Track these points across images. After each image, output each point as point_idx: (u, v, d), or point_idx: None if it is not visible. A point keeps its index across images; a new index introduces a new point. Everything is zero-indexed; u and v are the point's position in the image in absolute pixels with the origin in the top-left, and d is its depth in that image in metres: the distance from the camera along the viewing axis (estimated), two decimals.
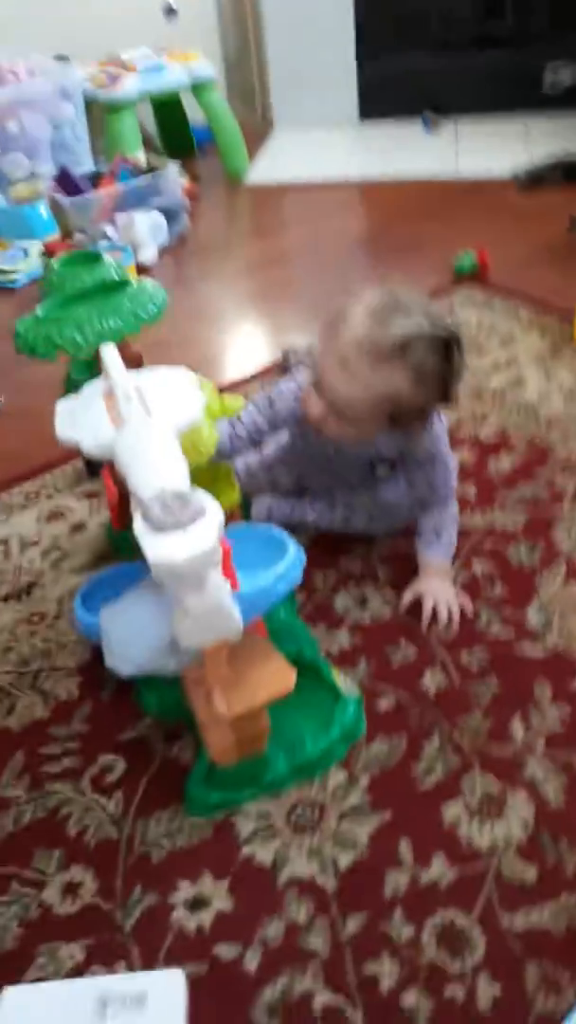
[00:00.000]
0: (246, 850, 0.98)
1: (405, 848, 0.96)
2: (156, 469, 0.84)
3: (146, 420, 0.91)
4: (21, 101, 2.66)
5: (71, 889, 0.96)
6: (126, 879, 0.96)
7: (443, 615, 1.23)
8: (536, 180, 2.63)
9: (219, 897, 0.94)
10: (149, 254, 2.48)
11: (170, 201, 2.62)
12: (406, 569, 1.31)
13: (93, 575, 1.27)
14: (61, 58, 2.85)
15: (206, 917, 0.92)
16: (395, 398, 1.11)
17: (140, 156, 2.71)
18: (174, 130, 3.25)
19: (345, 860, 0.96)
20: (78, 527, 1.50)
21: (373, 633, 1.23)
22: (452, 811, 0.99)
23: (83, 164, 2.84)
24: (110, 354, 1.01)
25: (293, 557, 1.01)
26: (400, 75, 3.38)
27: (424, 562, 1.28)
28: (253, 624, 1.04)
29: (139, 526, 0.79)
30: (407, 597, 1.26)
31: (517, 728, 1.07)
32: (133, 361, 1.15)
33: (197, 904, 0.93)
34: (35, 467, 1.66)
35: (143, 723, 1.14)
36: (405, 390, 1.10)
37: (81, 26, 3.07)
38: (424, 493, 1.29)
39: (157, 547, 0.76)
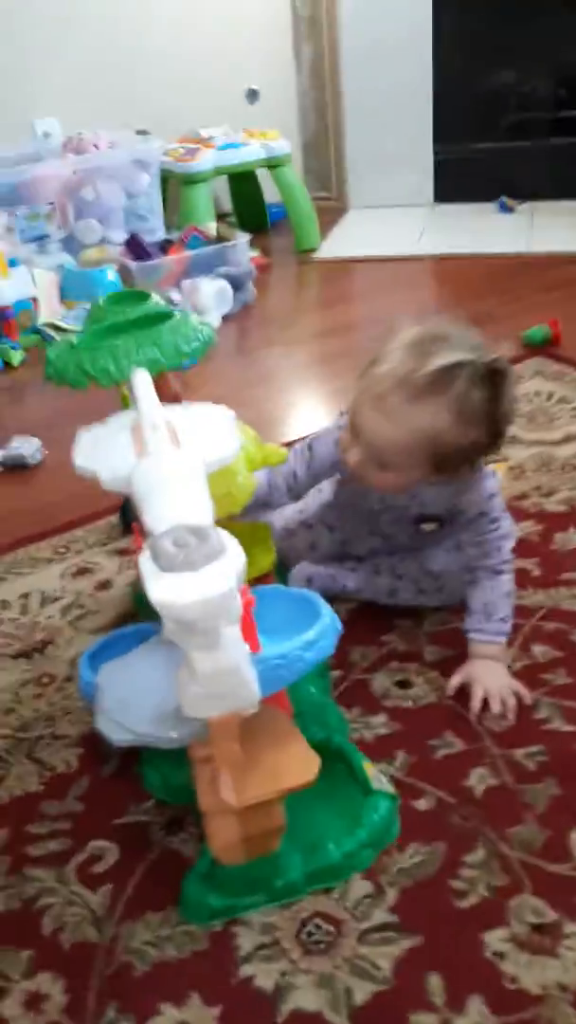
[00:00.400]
0: (245, 970, 0.82)
1: (436, 984, 0.79)
2: (174, 502, 0.73)
3: (172, 451, 0.80)
4: (98, 170, 2.70)
5: (35, 1002, 0.81)
6: (100, 994, 0.81)
7: (495, 705, 1.07)
8: None
9: None
10: (213, 320, 2.43)
11: (238, 271, 2.59)
12: (458, 649, 1.16)
13: (110, 634, 1.15)
14: (142, 132, 2.90)
15: None
16: (436, 438, 0.99)
17: (211, 226, 2.71)
18: (248, 206, 3.27)
19: (362, 994, 0.79)
20: (104, 584, 1.39)
21: (415, 721, 1.07)
22: (495, 942, 0.82)
23: (156, 233, 2.85)
24: (141, 379, 0.90)
25: (327, 623, 0.88)
26: (476, 159, 3.36)
27: (474, 644, 1.13)
28: (275, 699, 0.91)
29: (145, 564, 0.68)
30: (454, 681, 1.11)
31: None
32: (171, 400, 1.06)
33: None
34: (67, 521, 1.57)
35: (144, 807, 1.00)
36: (447, 429, 0.98)
37: (166, 106, 3.14)
38: (474, 558, 1.14)
39: (162, 587, 0.64)
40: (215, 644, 0.71)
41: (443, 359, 0.97)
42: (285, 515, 1.35)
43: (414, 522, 1.17)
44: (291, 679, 0.81)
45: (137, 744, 0.80)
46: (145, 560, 0.67)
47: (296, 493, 1.19)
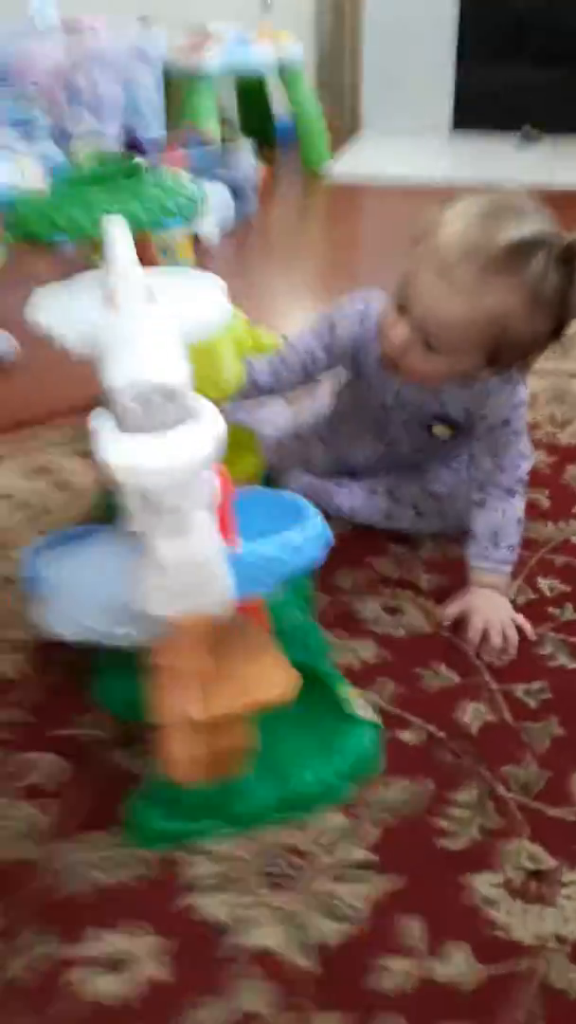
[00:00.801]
0: (197, 900, 0.72)
1: (416, 929, 0.70)
2: (143, 358, 0.61)
3: (146, 307, 0.68)
4: (95, 56, 2.50)
5: None
6: (33, 917, 0.72)
7: (496, 639, 0.97)
8: None
9: (149, 959, 0.68)
10: (209, 228, 2.29)
11: (239, 178, 2.43)
12: (455, 577, 1.06)
13: (59, 532, 1.04)
14: (144, 20, 2.69)
15: (125, 984, 0.67)
16: (503, 321, 0.88)
17: (212, 128, 2.54)
18: (255, 116, 3.08)
19: (331, 934, 0.70)
20: (64, 485, 1.28)
21: (405, 649, 0.98)
22: (486, 887, 0.73)
23: (152, 131, 2.67)
24: (116, 227, 0.78)
25: (315, 528, 0.77)
26: (499, 87, 3.20)
27: (476, 572, 1.02)
28: (252, 614, 0.81)
29: (100, 424, 0.56)
30: (451, 610, 1.01)
31: None
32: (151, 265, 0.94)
33: (118, 965, 0.68)
34: (32, 419, 1.44)
35: (93, 718, 0.89)
36: (517, 313, 0.87)
37: (173, 2, 2.93)
38: (487, 473, 1.03)
39: (120, 450, 0.53)
40: (184, 529, 0.60)
41: (522, 231, 0.85)
42: (278, 425, 1.23)
43: (427, 424, 1.06)
44: (271, 584, 0.71)
45: (82, 640, 0.69)
46: (100, 419, 0.55)
47: (312, 377, 1.07)
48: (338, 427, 1.18)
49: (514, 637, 0.97)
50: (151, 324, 0.66)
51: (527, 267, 0.86)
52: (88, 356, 0.70)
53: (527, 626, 0.99)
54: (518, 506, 1.03)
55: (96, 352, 0.66)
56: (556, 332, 0.92)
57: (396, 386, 1.04)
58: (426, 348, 0.92)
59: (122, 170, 0.92)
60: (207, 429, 0.55)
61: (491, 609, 0.99)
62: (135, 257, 0.72)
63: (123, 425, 0.54)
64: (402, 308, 0.93)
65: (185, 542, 0.62)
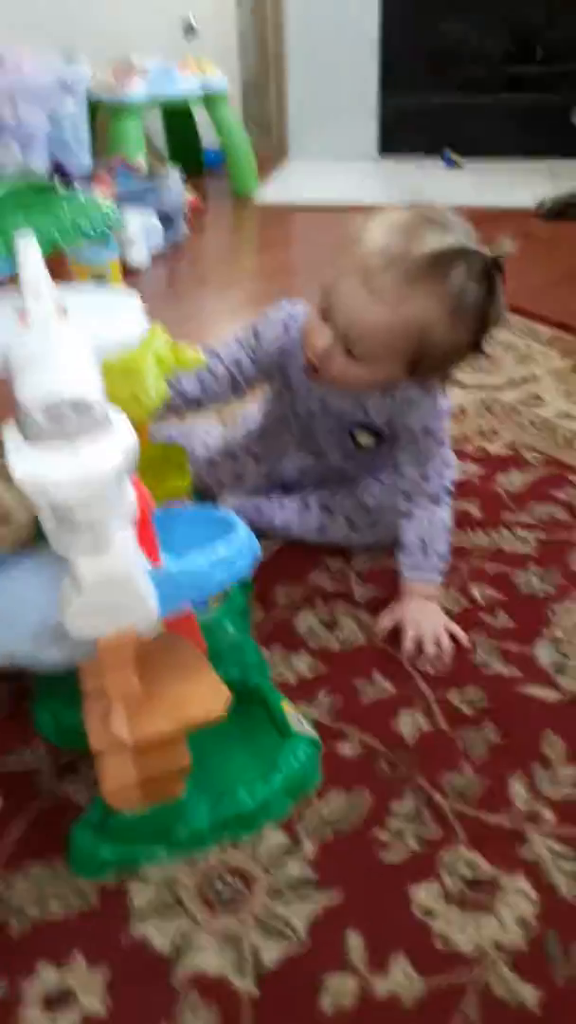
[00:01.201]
0: (139, 929, 0.71)
1: (356, 944, 0.69)
2: (52, 372, 0.60)
3: (57, 322, 0.68)
4: (19, 90, 2.50)
5: None
6: None
7: (430, 647, 0.98)
8: (560, 211, 2.47)
9: (89, 992, 0.67)
10: (139, 254, 2.29)
11: (168, 207, 2.44)
12: (389, 588, 1.07)
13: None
14: (68, 53, 2.70)
15: (65, 1022, 0.65)
16: (424, 332, 0.89)
17: (141, 160, 2.55)
18: (183, 145, 3.11)
19: (271, 955, 0.69)
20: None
21: (341, 662, 0.97)
22: (424, 898, 0.72)
23: (82, 164, 2.67)
24: (27, 246, 0.77)
25: (241, 540, 0.77)
26: (424, 112, 3.27)
27: (408, 582, 1.03)
28: (187, 635, 0.80)
29: (9, 437, 0.55)
30: (384, 622, 1.01)
31: (518, 791, 0.81)
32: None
33: (59, 1001, 0.66)
34: None
35: (32, 749, 0.88)
36: (438, 323, 0.88)
37: (97, 35, 2.95)
38: (412, 483, 1.04)
39: (28, 461, 0.52)
40: (102, 546, 0.59)
41: (444, 242, 0.87)
42: (208, 445, 1.24)
43: (350, 432, 1.07)
44: (197, 599, 0.70)
45: (10, 665, 0.68)
46: (9, 432, 0.54)
47: (240, 386, 1.06)
48: (268, 440, 1.18)
49: (448, 646, 0.98)
50: (62, 339, 0.65)
51: (448, 277, 0.87)
52: (1, 373, 0.70)
53: (461, 634, 0.99)
54: (444, 514, 1.04)
55: (8, 371, 0.65)
56: (475, 344, 0.93)
57: (320, 393, 1.05)
58: (348, 355, 0.93)
59: (35, 189, 0.91)
60: (117, 441, 0.55)
61: (424, 618, 1.00)
62: (46, 274, 0.72)
63: (33, 439, 0.53)
64: (325, 314, 0.93)
65: (104, 559, 0.61)
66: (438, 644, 0.98)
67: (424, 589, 1.02)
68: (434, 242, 0.87)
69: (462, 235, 0.89)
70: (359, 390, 1.01)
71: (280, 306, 1.06)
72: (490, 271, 0.88)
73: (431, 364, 0.93)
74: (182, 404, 1.05)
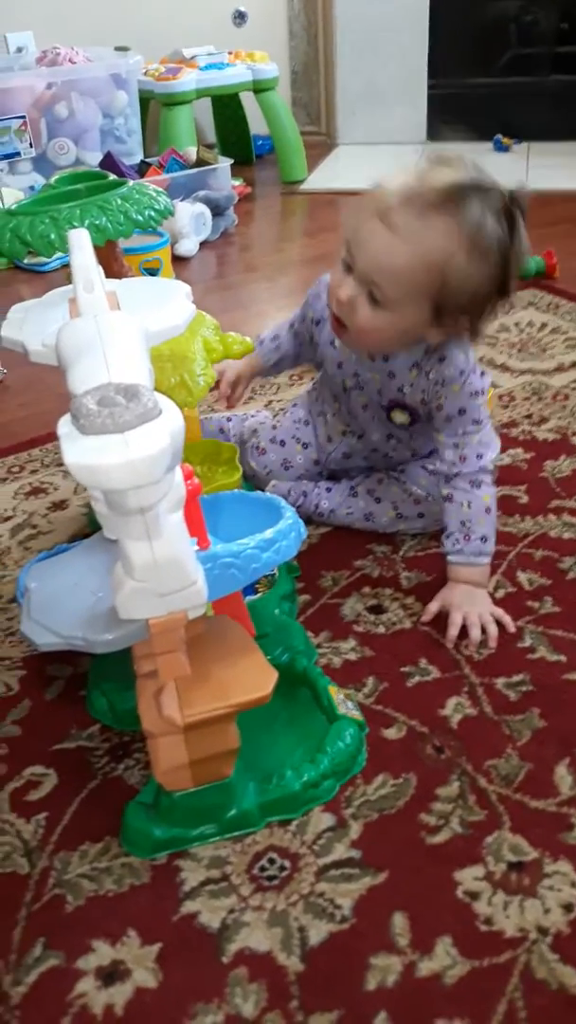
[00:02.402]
0: (188, 907, 0.73)
1: (401, 924, 0.70)
2: (103, 361, 0.62)
3: (107, 312, 0.70)
4: (73, 85, 2.54)
5: None
6: (26, 930, 0.72)
7: (475, 633, 0.98)
8: None
9: (142, 968, 0.69)
10: (189, 244, 2.31)
11: (218, 195, 2.46)
12: (436, 574, 1.08)
13: (54, 548, 1.05)
14: (121, 48, 2.73)
15: (119, 995, 0.67)
16: (444, 265, 0.90)
17: (192, 150, 2.57)
18: (233, 134, 3.12)
19: (318, 934, 0.70)
20: (58, 505, 1.29)
21: (387, 647, 0.98)
22: (469, 880, 0.73)
23: (133, 156, 2.70)
24: (78, 239, 0.79)
25: (288, 523, 0.78)
26: (472, 96, 3.22)
27: (452, 568, 1.03)
28: (237, 619, 0.82)
29: (62, 428, 0.57)
30: (432, 607, 1.02)
31: (563, 777, 0.81)
32: (119, 277, 0.95)
33: (112, 976, 0.69)
34: (24, 440, 1.46)
35: (88, 732, 0.91)
36: (457, 255, 0.89)
37: (149, 25, 2.97)
38: (451, 465, 1.03)
39: (79, 450, 0.54)
40: (153, 531, 0.61)
41: (456, 177, 0.89)
42: (257, 432, 1.25)
43: (386, 409, 1.08)
44: (245, 581, 0.72)
45: (67, 648, 0.70)
46: (63, 423, 0.56)
47: (298, 331, 1.20)
48: (315, 424, 1.20)
49: (493, 630, 0.98)
50: (112, 328, 0.67)
51: (463, 210, 0.88)
52: (54, 364, 0.72)
53: (506, 618, 0.99)
54: (485, 496, 1.02)
55: (60, 360, 0.67)
56: (501, 289, 0.94)
57: (354, 367, 1.07)
58: (372, 303, 0.94)
59: (88, 181, 0.93)
60: (165, 425, 0.56)
61: (469, 603, 1.00)
62: (97, 265, 0.74)
63: (85, 428, 0.55)
64: (348, 267, 0.95)
65: (155, 543, 0.62)
66: (483, 629, 0.98)
67: (469, 574, 1.02)
68: (447, 176, 0.89)
69: (476, 173, 0.91)
70: (386, 345, 1.01)
71: (320, 279, 1.11)
72: (510, 209, 0.90)
73: (456, 306, 0.93)
74: (265, 363, 1.23)
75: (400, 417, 1.07)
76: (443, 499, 1.04)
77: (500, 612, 1.00)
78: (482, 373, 1.03)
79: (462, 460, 1.02)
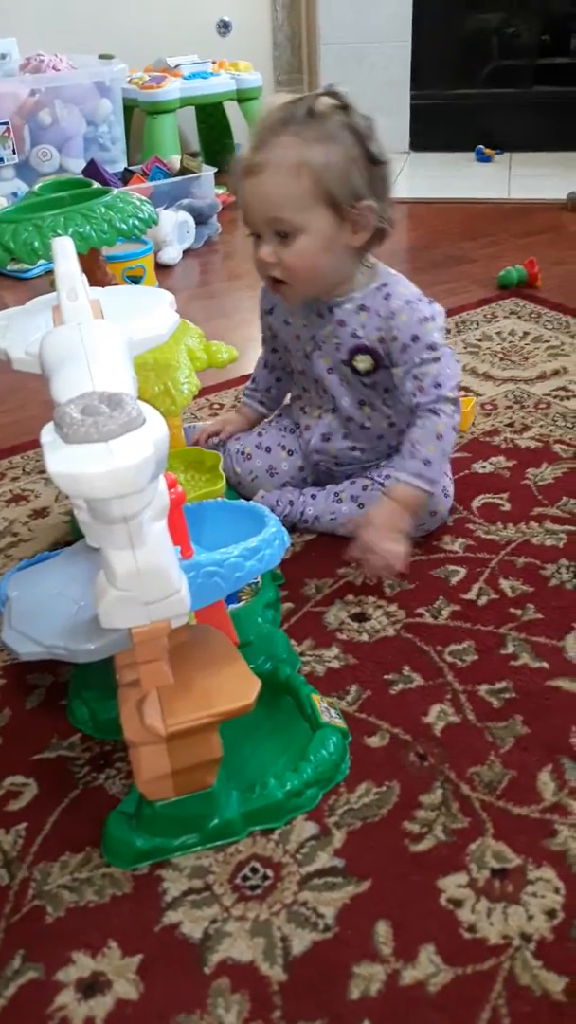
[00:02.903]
0: (170, 917, 0.73)
1: (384, 933, 0.70)
2: (87, 370, 0.62)
3: (91, 320, 0.69)
4: (57, 92, 2.54)
5: None
6: (6, 941, 0.72)
7: (373, 562, 1.02)
8: None
9: (123, 979, 0.68)
10: (172, 252, 2.31)
11: (202, 205, 2.46)
12: (419, 582, 1.08)
13: (36, 556, 1.05)
14: (105, 56, 2.74)
15: (100, 1007, 0.67)
16: (310, 167, 0.97)
17: (175, 159, 2.57)
18: (216, 143, 3.12)
19: (300, 944, 0.70)
20: (40, 512, 1.28)
21: (370, 654, 0.98)
22: (452, 888, 0.73)
23: (117, 163, 2.70)
24: (62, 247, 0.79)
25: (272, 532, 0.78)
26: (455, 107, 3.24)
27: (390, 486, 1.06)
28: (220, 628, 0.81)
29: (45, 436, 0.57)
30: (349, 525, 1.07)
31: (547, 784, 0.81)
32: (102, 285, 0.95)
33: (93, 987, 0.68)
34: (5, 448, 1.45)
35: (69, 741, 0.90)
36: (313, 153, 0.97)
37: (133, 34, 2.98)
38: (410, 394, 1.06)
39: (62, 458, 0.54)
40: (136, 540, 0.60)
41: (278, 103, 1.00)
42: (241, 440, 1.25)
43: (348, 362, 1.11)
44: (229, 589, 0.72)
45: (49, 657, 0.70)
46: (46, 432, 0.56)
47: (262, 390, 1.29)
48: (296, 416, 1.23)
49: (398, 553, 1.00)
50: (96, 338, 0.67)
51: (294, 119, 0.98)
52: (37, 372, 0.72)
53: (402, 561, 1.01)
54: (440, 423, 1.04)
55: (43, 368, 0.67)
56: (370, 157, 1.00)
57: (309, 331, 1.12)
58: (283, 240, 1.00)
59: (72, 189, 0.93)
60: (147, 434, 0.56)
61: (385, 526, 1.02)
62: (81, 274, 0.74)
63: (69, 437, 0.55)
64: (254, 235, 1.03)
65: (137, 552, 0.62)
66: (385, 554, 1.00)
67: (403, 494, 1.03)
68: (273, 109, 1.00)
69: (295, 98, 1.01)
70: (325, 275, 1.06)
71: None
72: (335, 102, 0.99)
73: (345, 193, 0.99)
74: (266, 398, 1.29)
75: (363, 363, 1.10)
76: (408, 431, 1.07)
77: (403, 553, 1.01)
78: (430, 301, 1.07)
79: (420, 391, 1.04)
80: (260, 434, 1.24)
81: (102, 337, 0.66)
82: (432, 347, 1.05)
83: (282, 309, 1.15)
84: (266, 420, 1.29)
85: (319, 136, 0.97)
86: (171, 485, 0.66)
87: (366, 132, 1.00)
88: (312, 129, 0.97)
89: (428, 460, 1.03)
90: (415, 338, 1.05)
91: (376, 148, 1.00)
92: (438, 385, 1.04)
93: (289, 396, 1.29)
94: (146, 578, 0.63)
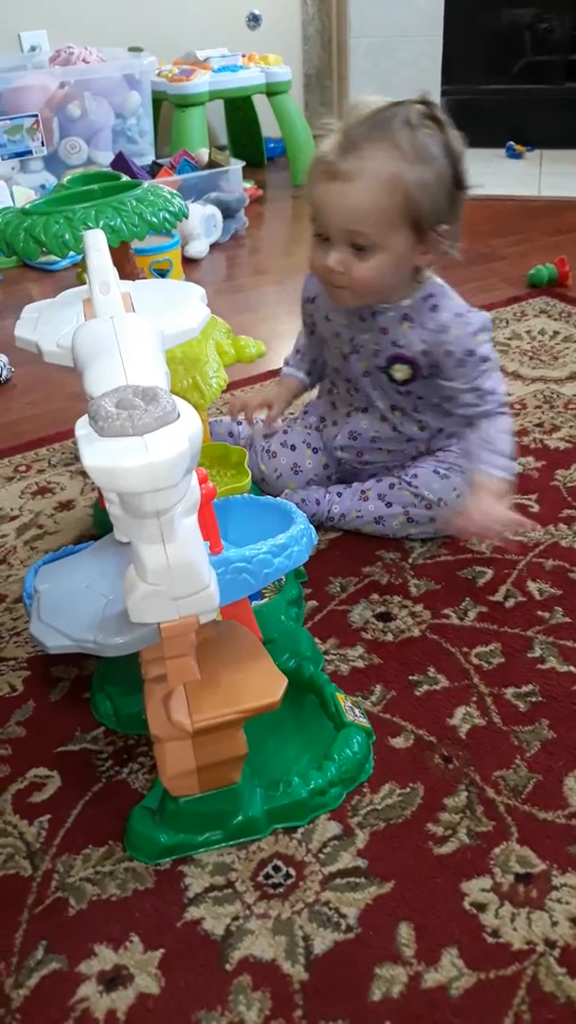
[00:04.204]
0: (192, 912, 0.73)
1: (407, 935, 0.70)
2: (120, 363, 0.62)
3: (123, 314, 0.69)
4: (86, 85, 2.54)
5: None
6: (30, 932, 0.72)
7: (492, 529, 1.00)
8: None
9: (145, 973, 0.68)
10: (199, 246, 2.31)
11: (229, 197, 2.46)
12: (445, 582, 1.07)
13: (60, 549, 1.05)
14: (135, 49, 2.74)
15: (122, 1000, 0.67)
16: (402, 185, 0.94)
17: (203, 152, 2.57)
18: (244, 136, 3.12)
19: (322, 943, 0.70)
20: (65, 505, 1.28)
21: (395, 655, 0.98)
22: (476, 892, 0.73)
23: (145, 156, 2.70)
24: (94, 240, 0.79)
25: (299, 528, 0.78)
26: (485, 102, 3.22)
27: (475, 480, 1.03)
28: (244, 624, 0.81)
29: (80, 430, 0.57)
30: (457, 521, 1.01)
31: (573, 789, 0.81)
32: (131, 278, 0.95)
33: (115, 980, 0.68)
34: (32, 440, 1.46)
35: (92, 734, 0.90)
36: (408, 170, 0.94)
37: (163, 27, 2.98)
38: (469, 406, 1.06)
39: (98, 452, 0.54)
40: (167, 535, 0.60)
41: (372, 106, 0.95)
42: (268, 436, 1.25)
43: (385, 369, 1.09)
44: (257, 586, 0.71)
45: (76, 651, 0.70)
46: (81, 425, 0.56)
47: (307, 360, 1.22)
48: (324, 415, 1.22)
49: (511, 519, 0.99)
50: (129, 331, 0.67)
51: (391, 129, 0.93)
52: (69, 365, 0.72)
53: (525, 522, 1.03)
54: (508, 421, 1.06)
55: (76, 361, 0.67)
56: (457, 182, 0.97)
57: (349, 333, 1.10)
58: (359, 252, 0.98)
59: (101, 182, 0.93)
60: (182, 429, 0.56)
61: (488, 506, 0.99)
62: (113, 267, 0.74)
63: (104, 430, 0.54)
64: (321, 237, 1.00)
65: (169, 547, 0.62)
66: (502, 518, 0.99)
67: (488, 483, 1.02)
68: (364, 111, 0.95)
69: (385, 100, 0.96)
70: (387, 288, 1.03)
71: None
72: (429, 112, 0.95)
73: (430, 215, 0.96)
74: (313, 368, 1.23)
75: (400, 372, 1.09)
76: (466, 440, 1.08)
77: (518, 517, 1.00)
78: (476, 311, 1.07)
79: (482, 401, 1.06)
80: (285, 432, 1.23)
81: (135, 331, 0.66)
82: (486, 359, 1.05)
83: (324, 302, 1.13)
84: (292, 417, 1.29)
85: (417, 153, 0.94)
86: (202, 480, 0.66)
87: (459, 154, 0.97)
88: (410, 143, 0.93)
89: (505, 453, 1.04)
90: (470, 352, 1.04)
91: (464, 172, 0.98)
92: (493, 392, 1.06)
93: (317, 390, 1.28)
94: (176, 573, 0.63)
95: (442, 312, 1.05)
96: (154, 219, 0.88)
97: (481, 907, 0.71)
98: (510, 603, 1.04)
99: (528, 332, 1.74)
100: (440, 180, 0.96)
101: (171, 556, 0.61)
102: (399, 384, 1.10)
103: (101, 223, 0.85)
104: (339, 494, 1.16)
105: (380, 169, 0.93)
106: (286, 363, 1.26)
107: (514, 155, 3.09)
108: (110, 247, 0.76)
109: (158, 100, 2.76)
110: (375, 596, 1.07)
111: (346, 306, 1.07)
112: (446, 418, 1.13)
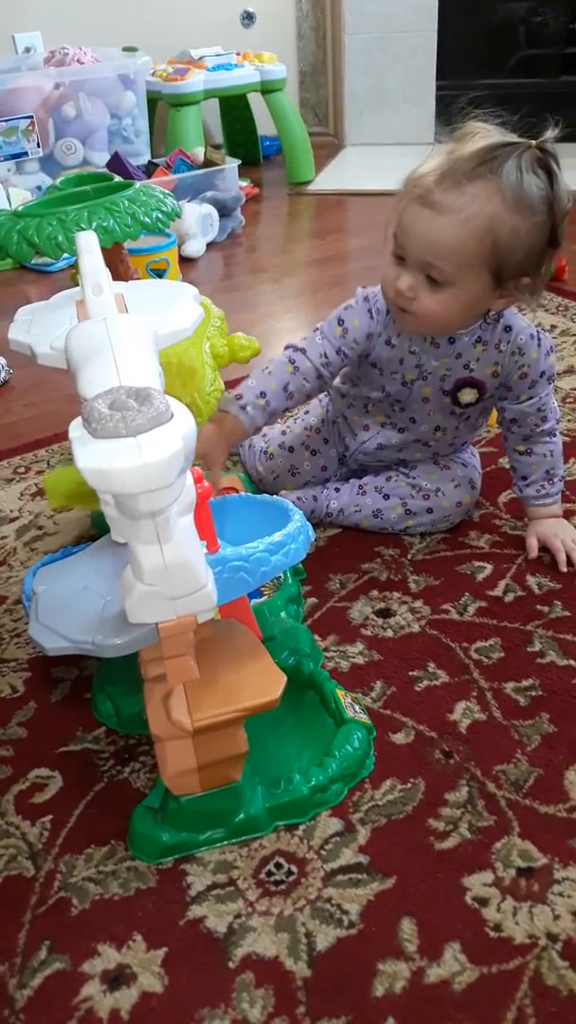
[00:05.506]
0: (195, 911, 0.73)
1: (409, 930, 0.70)
2: (114, 364, 0.62)
3: (116, 315, 0.69)
4: (81, 85, 2.54)
5: None
6: (33, 932, 0.72)
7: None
8: None
9: (148, 972, 0.69)
10: (196, 245, 2.31)
11: (225, 196, 2.46)
12: (444, 578, 1.07)
13: (59, 551, 1.05)
14: (129, 49, 2.74)
15: (125, 999, 0.67)
16: (494, 232, 0.90)
17: (199, 151, 2.56)
18: (240, 135, 3.12)
19: (325, 940, 0.70)
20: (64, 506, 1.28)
21: (395, 651, 0.98)
22: (478, 886, 0.73)
23: (141, 156, 2.70)
24: (86, 241, 0.79)
25: (297, 526, 0.78)
26: (480, 97, 3.21)
27: (536, 509, 1.12)
28: (244, 622, 0.81)
29: (74, 432, 0.57)
30: (532, 542, 1.10)
31: (573, 783, 0.81)
32: (125, 279, 0.95)
33: (118, 980, 0.68)
34: (30, 441, 1.46)
35: (93, 735, 0.90)
36: (504, 219, 0.89)
37: (157, 26, 2.97)
38: (532, 426, 1.08)
39: (92, 454, 0.54)
40: (163, 535, 0.60)
41: (485, 141, 0.90)
42: (266, 436, 1.25)
43: (452, 392, 1.08)
44: (255, 584, 0.71)
45: (75, 652, 0.70)
46: (75, 427, 0.56)
47: (326, 380, 1.08)
48: (341, 424, 1.20)
49: None
50: (122, 332, 0.67)
51: (500, 170, 0.89)
52: (62, 367, 0.72)
53: None
54: (559, 442, 1.11)
55: (70, 363, 0.67)
56: (552, 239, 0.93)
57: (416, 359, 1.06)
58: (432, 285, 0.95)
59: (95, 182, 0.93)
60: (175, 429, 0.56)
61: (562, 531, 1.10)
62: (105, 268, 0.74)
63: (97, 432, 0.55)
64: (399, 258, 0.96)
65: (165, 547, 0.62)
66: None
67: (550, 510, 1.11)
68: (476, 144, 0.90)
69: (501, 136, 0.93)
70: (452, 325, 1.01)
71: (357, 294, 1.08)
72: (543, 159, 0.91)
73: (514, 266, 0.93)
74: (272, 420, 1.08)
75: (468, 396, 1.08)
76: (517, 454, 1.10)
77: None
78: (540, 329, 1.07)
79: (544, 420, 1.08)
80: (284, 433, 1.23)
81: (128, 332, 0.66)
82: (551, 379, 1.07)
83: (388, 327, 1.06)
84: (291, 417, 1.27)
85: (519, 202, 0.89)
86: (197, 480, 0.66)
87: (563, 213, 0.92)
88: (513, 191, 0.89)
89: (562, 477, 1.12)
90: (544, 373, 1.06)
91: (563, 230, 0.93)
92: (554, 410, 1.10)
93: (320, 396, 1.24)
94: (173, 573, 0.63)
95: (516, 334, 1.03)
96: (147, 219, 0.88)
97: (483, 901, 0.71)
98: (509, 598, 1.04)
99: None
100: (535, 235, 0.91)
101: (167, 556, 0.61)
102: (462, 407, 1.09)
103: (94, 224, 0.85)
104: (336, 489, 1.16)
105: (476, 211, 0.89)
106: (239, 397, 1.05)
107: None
108: (103, 248, 0.76)
109: (153, 100, 2.76)
110: (374, 592, 1.07)
111: (407, 332, 1.04)
112: (475, 432, 1.17)
